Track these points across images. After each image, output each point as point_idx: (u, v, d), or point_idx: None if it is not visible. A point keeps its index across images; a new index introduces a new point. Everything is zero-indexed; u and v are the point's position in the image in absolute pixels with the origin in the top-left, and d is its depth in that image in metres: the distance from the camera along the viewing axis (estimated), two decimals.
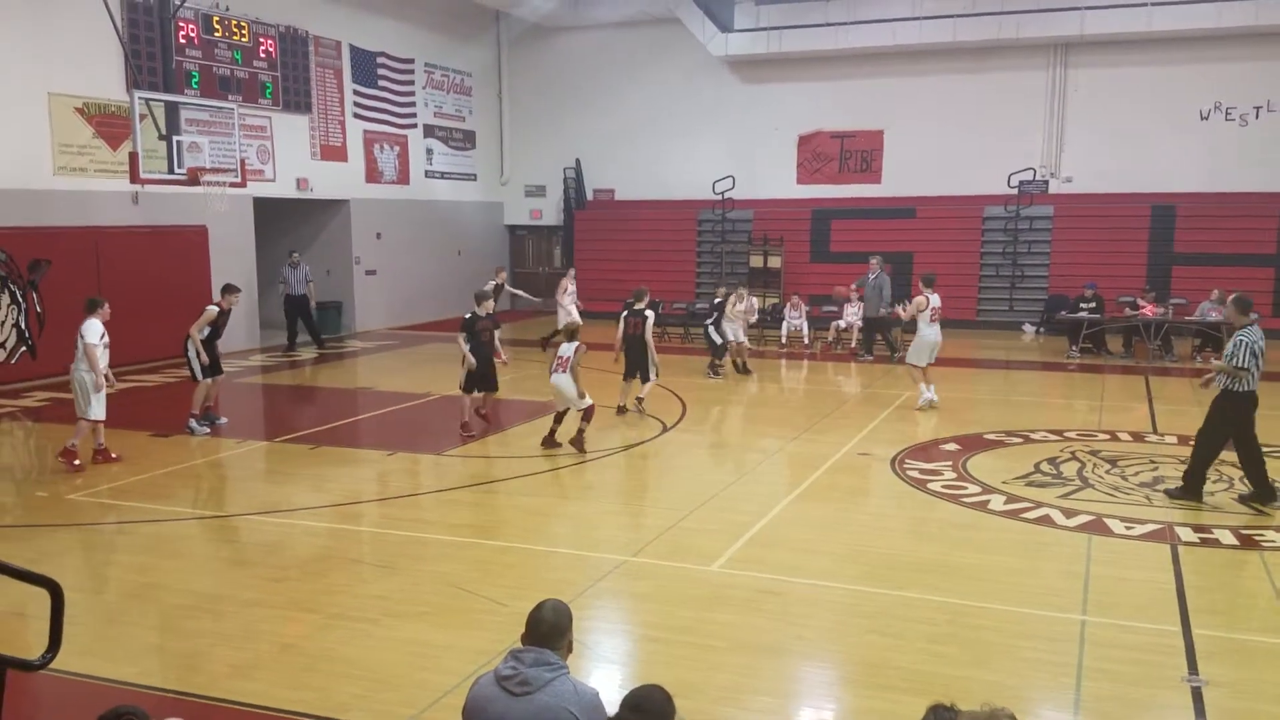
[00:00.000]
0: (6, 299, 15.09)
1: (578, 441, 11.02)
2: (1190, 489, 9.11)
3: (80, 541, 8.23)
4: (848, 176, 24.50)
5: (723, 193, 24.12)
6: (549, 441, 11.15)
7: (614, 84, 25.84)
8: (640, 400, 13.17)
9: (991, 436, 11.76)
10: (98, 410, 10.35)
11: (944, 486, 9.65)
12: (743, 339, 16.96)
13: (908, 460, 10.66)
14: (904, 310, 14.29)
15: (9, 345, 15.14)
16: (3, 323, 15.02)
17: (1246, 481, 9.16)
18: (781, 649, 6.11)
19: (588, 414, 11.09)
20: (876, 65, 23.56)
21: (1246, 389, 8.88)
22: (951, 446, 11.26)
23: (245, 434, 12.25)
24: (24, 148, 15.26)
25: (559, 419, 11.24)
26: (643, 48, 25.49)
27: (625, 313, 13.39)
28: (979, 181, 22.86)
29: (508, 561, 7.75)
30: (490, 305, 12.07)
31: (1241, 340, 8.79)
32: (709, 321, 16.73)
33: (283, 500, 9.43)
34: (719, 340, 16.45)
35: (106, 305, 10.62)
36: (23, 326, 15.31)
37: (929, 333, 13.44)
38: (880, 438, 11.73)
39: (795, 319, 19.96)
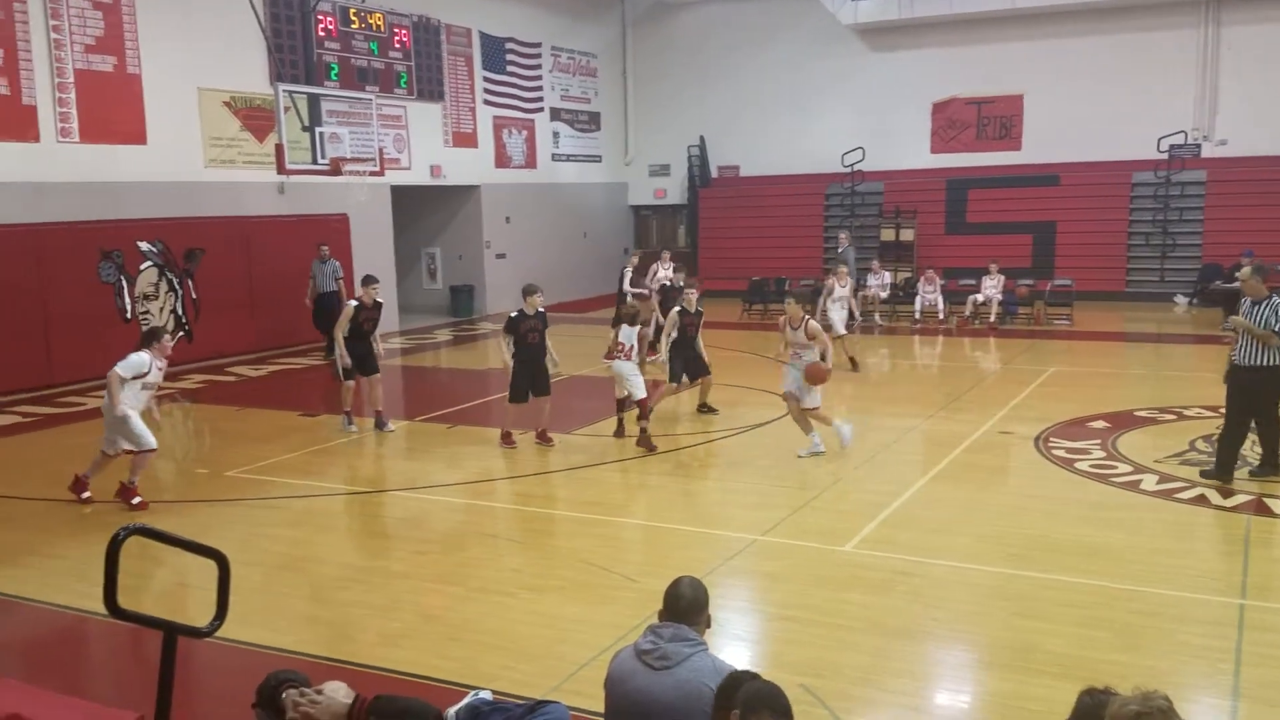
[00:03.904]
0: (165, 286, 15.98)
1: (643, 441, 10.25)
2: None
3: (237, 516, 8.67)
4: (985, 144, 23.64)
5: (852, 165, 23.63)
6: (620, 432, 10.77)
7: (739, 58, 25.53)
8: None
9: (1143, 413, 11.23)
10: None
11: (1092, 466, 9.26)
12: (841, 330, 14.53)
13: (1053, 439, 10.26)
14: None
15: (168, 330, 16.03)
16: (161, 309, 15.92)
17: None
18: (918, 631, 5.98)
19: (643, 409, 10.34)
20: (1013, 27, 22.61)
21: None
22: (1100, 424, 10.79)
23: (386, 414, 12.64)
24: (177, 142, 16.04)
25: (622, 406, 10.81)
26: (768, 19, 25.08)
27: (679, 309, 11.43)
28: (1126, 146, 21.72)
29: (636, 539, 7.81)
30: (538, 300, 10.36)
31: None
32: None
33: (421, 477, 9.74)
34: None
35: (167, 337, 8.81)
36: (180, 313, 16.20)
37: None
38: (1023, 415, 11.33)
39: (930, 294, 19.45)
